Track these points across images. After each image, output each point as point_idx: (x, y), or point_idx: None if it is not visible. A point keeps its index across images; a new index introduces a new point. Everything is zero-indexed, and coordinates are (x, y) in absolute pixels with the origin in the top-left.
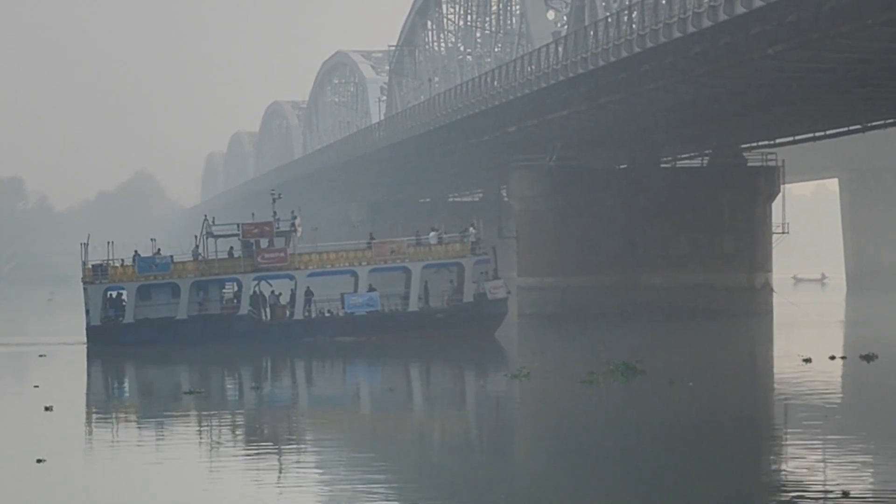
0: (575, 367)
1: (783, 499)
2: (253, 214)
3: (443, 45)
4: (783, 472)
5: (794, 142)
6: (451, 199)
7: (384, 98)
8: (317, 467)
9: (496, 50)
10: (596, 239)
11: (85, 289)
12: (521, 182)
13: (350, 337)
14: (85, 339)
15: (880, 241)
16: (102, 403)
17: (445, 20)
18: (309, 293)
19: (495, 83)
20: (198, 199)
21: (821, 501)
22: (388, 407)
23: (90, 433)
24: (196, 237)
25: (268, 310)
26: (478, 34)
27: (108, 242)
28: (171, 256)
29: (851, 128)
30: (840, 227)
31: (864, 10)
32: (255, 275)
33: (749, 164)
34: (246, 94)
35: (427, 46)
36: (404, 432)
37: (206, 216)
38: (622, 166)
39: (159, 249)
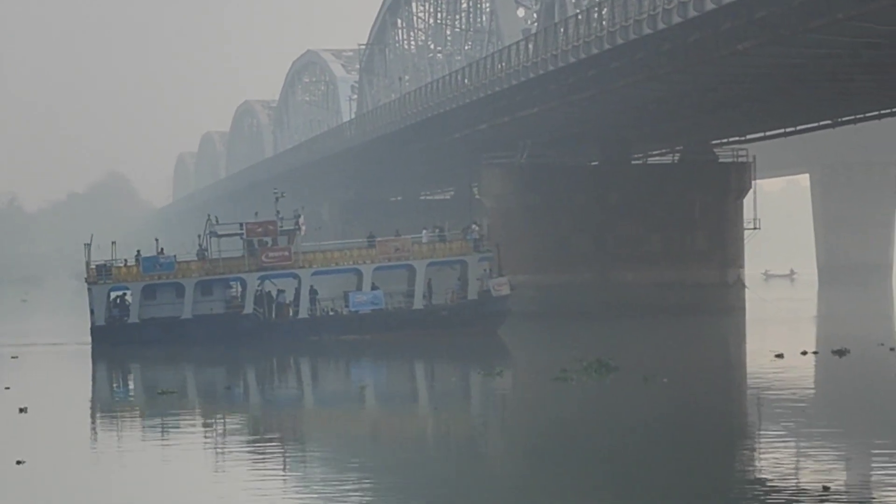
0: (548, 364)
1: (759, 494)
2: (256, 213)
3: (413, 43)
4: (758, 468)
5: (765, 137)
6: (422, 198)
7: (355, 97)
8: (269, 465)
9: (466, 48)
10: (568, 236)
11: (89, 289)
12: (492, 180)
13: (355, 335)
14: (89, 339)
15: (851, 237)
16: (81, 404)
17: (415, 18)
18: (313, 292)
19: (466, 81)
20: (169, 199)
21: (797, 497)
22: (359, 405)
23: (67, 435)
24: (199, 236)
25: (273, 309)
26: (448, 32)
27: (112, 243)
28: (175, 256)
29: (822, 123)
30: (811, 223)
31: (834, 5)
32: (260, 274)
33: (720, 161)
34: (216, 93)
35: (397, 45)
36: (372, 431)
37: (209, 215)
38: (593, 163)
39: (162, 249)
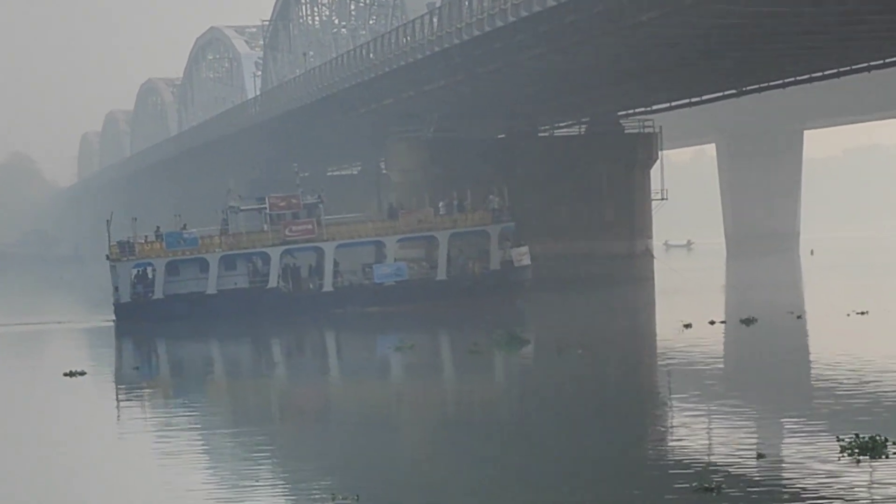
0: (460, 338)
1: (673, 461)
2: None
3: (317, 18)
4: (673, 437)
5: (671, 108)
6: (329, 174)
7: (259, 73)
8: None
9: (371, 22)
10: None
11: (112, 266)
12: (399, 154)
13: (379, 307)
14: (113, 316)
15: (758, 206)
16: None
17: None
18: (336, 264)
19: (371, 56)
20: (74, 178)
21: (713, 464)
22: (270, 378)
23: None
24: (223, 212)
25: (300, 282)
26: (352, 7)
27: (133, 219)
28: (195, 231)
29: (727, 92)
30: (719, 193)
31: None
32: (284, 248)
33: (626, 132)
34: (120, 72)
35: (301, 20)
36: (283, 406)
37: (229, 189)
38: (500, 136)
39: (185, 225)
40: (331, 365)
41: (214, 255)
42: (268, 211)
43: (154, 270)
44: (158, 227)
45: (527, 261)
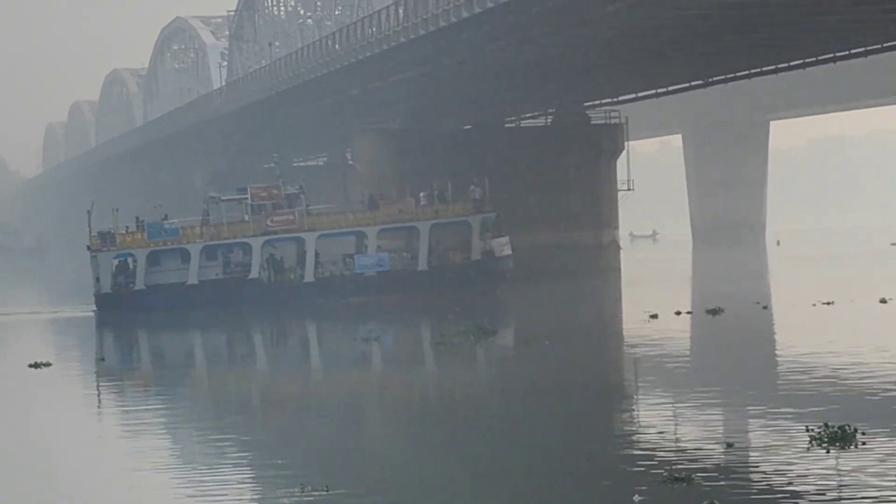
0: (431, 329)
1: (642, 452)
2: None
3: (283, 8)
4: (641, 427)
5: (637, 99)
6: (295, 164)
7: (225, 64)
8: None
9: (337, 13)
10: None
11: (93, 256)
12: (365, 145)
13: (360, 297)
14: (94, 307)
15: (724, 196)
16: None
17: None
18: (317, 255)
19: (337, 46)
20: (39, 169)
21: (681, 454)
22: (237, 369)
23: None
24: (204, 202)
25: (282, 273)
26: None
27: (114, 210)
28: (176, 221)
29: (693, 83)
30: (685, 183)
31: None
32: (265, 238)
33: (593, 123)
34: (85, 62)
35: (267, 11)
36: (247, 398)
37: (210, 180)
38: (467, 127)
39: (166, 215)
40: (302, 356)
41: (196, 246)
42: (249, 201)
43: (135, 261)
44: (139, 218)
45: (508, 251)
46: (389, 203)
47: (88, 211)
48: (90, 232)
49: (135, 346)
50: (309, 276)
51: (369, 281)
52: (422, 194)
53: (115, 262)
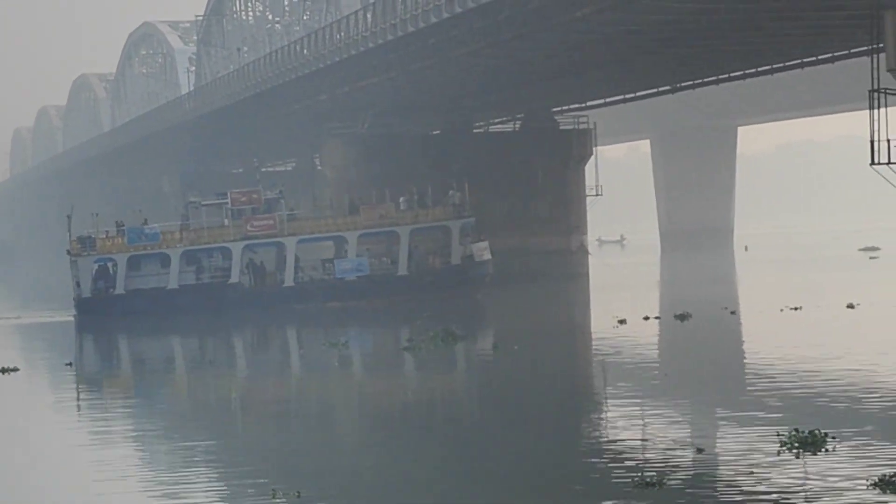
0: (396, 334)
1: (612, 457)
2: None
3: (251, 13)
4: (611, 432)
5: (606, 104)
6: (264, 170)
7: (193, 69)
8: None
9: (305, 18)
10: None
11: (73, 261)
12: (333, 150)
13: (340, 302)
14: (74, 312)
15: (692, 201)
16: None
17: None
18: (297, 260)
19: (305, 52)
20: (6, 174)
21: (654, 459)
22: (209, 374)
23: None
24: (184, 207)
25: (262, 278)
26: (286, 2)
27: (94, 214)
28: (156, 226)
29: (661, 89)
30: (653, 188)
31: None
32: (245, 242)
33: (561, 128)
34: (52, 67)
35: (235, 16)
36: (217, 402)
37: (188, 184)
38: (435, 132)
39: (146, 220)
40: (277, 361)
41: (176, 251)
42: (229, 206)
43: (115, 265)
44: (117, 222)
45: (487, 256)
46: (370, 208)
47: (68, 216)
48: (70, 236)
49: (114, 351)
50: (289, 281)
51: (349, 285)
52: (402, 199)
53: (96, 266)
